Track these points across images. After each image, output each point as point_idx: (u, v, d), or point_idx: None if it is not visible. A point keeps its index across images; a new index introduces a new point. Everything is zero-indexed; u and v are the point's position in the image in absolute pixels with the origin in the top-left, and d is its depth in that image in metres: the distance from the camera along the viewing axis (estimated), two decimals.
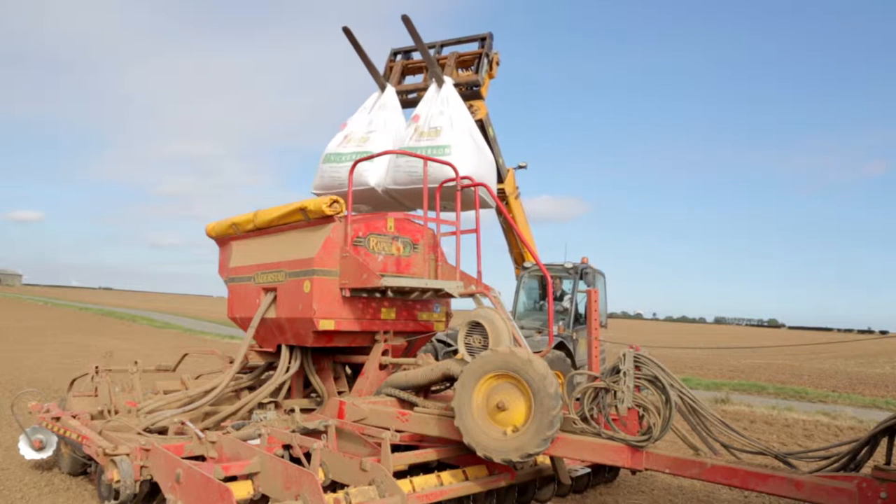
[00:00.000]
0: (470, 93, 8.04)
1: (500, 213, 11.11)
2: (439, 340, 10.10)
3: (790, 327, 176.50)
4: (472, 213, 6.35)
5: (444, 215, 6.33)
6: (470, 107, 7.89)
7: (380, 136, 7.17)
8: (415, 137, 6.84)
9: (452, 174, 6.11)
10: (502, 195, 10.55)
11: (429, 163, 6.15)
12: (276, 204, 6.42)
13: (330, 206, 5.84)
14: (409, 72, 8.42)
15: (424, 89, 7.53)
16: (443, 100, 7.07)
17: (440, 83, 7.23)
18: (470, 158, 6.64)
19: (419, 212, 6.28)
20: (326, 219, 5.93)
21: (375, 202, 7.20)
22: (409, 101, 7.93)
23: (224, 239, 7.22)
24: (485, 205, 6.73)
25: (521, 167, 11.49)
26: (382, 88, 7.77)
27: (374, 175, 6.95)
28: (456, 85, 7.42)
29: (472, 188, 6.35)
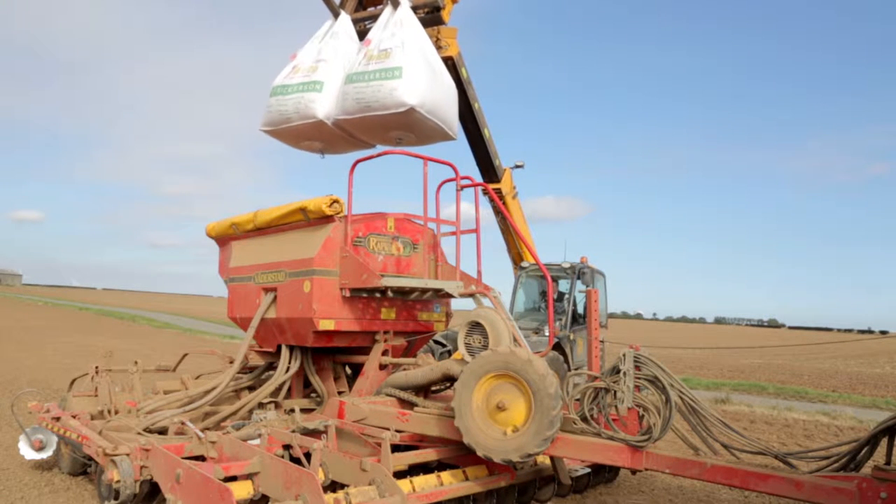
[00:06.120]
0: (431, 17, 7.43)
1: (497, 212, 11.11)
2: (435, 341, 10.05)
3: (790, 327, 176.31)
4: (472, 213, 6.35)
5: (444, 215, 6.33)
6: (437, 41, 7.41)
7: (329, 65, 6.59)
8: (363, 62, 6.34)
9: (404, 103, 5.86)
10: (499, 194, 10.55)
11: (377, 88, 5.91)
12: (276, 204, 6.44)
13: (330, 206, 5.85)
14: (370, 2, 7.69)
15: None
16: (396, 22, 6.51)
17: (395, 5, 6.58)
18: (423, 82, 6.15)
19: (419, 212, 6.25)
20: (326, 219, 5.94)
21: (327, 137, 6.77)
22: (367, 30, 7.05)
23: (224, 239, 7.23)
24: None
25: (517, 167, 11.51)
26: (336, 16, 7.06)
27: (323, 106, 6.42)
28: (415, 9, 6.87)
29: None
